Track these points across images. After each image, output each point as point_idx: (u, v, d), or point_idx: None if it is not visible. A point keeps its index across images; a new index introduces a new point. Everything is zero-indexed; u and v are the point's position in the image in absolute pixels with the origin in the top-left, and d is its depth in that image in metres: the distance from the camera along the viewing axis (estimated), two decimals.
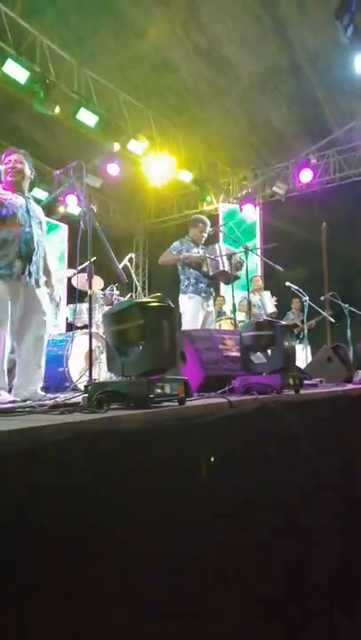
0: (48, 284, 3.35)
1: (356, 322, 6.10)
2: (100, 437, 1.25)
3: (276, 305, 6.58)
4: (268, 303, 6.52)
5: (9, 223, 3.02)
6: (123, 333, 1.79)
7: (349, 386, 3.29)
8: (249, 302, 4.96)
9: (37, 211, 3.25)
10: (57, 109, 6.49)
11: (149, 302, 1.77)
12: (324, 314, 6.24)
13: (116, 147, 7.50)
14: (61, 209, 8.71)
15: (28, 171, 3.25)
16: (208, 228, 4.78)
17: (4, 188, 3.16)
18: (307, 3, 5.99)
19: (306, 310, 6.38)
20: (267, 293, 6.62)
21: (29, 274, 3.06)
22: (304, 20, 6.23)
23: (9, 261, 2.99)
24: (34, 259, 3.09)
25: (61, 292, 4.73)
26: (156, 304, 1.77)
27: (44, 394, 2.98)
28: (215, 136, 8.82)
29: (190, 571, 1.33)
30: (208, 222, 4.84)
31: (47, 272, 3.33)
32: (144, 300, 1.82)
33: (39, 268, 3.17)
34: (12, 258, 3.00)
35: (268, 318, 3.34)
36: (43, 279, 3.24)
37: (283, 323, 2.67)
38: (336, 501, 2.16)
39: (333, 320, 6.36)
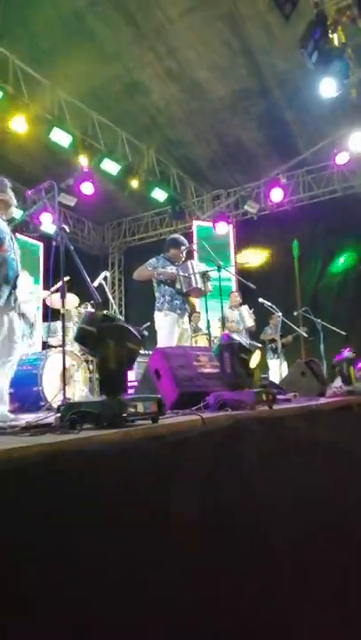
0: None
1: (330, 337, 6.22)
2: (71, 458, 1.25)
3: (254, 319, 6.71)
4: (247, 317, 6.65)
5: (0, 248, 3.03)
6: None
7: (322, 400, 3.34)
8: (223, 318, 5.02)
9: (14, 239, 3.26)
10: (28, 129, 6.52)
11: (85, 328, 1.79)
12: (299, 331, 6.35)
13: (90, 166, 7.55)
14: (37, 227, 8.67)
15: (13, 199, 3.25)
16: (185, 248, 4.87)
17: None
18: (274, 28, 6.19)
19: (279, 325, 6.50)
20: (245, 308, 6.75)
21: (15, 299, 3.06)
22: (272, 45, 6.44)
23: None
24: (17, 284, 3.10)
25: (36, 310, 4.69)
26: (88, 329, 1.78)
27: (13, 416, 2.94)
28: (188, 157, 8.98)
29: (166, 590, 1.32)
30: (186, 243, 4.95)
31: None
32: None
33: (18, 293, 3.17)
34: None
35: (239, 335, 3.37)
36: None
37: (250, 341, 2.71)
38: (311, 517, 2.18)
39: (307, 335, 6.47)
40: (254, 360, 2.56)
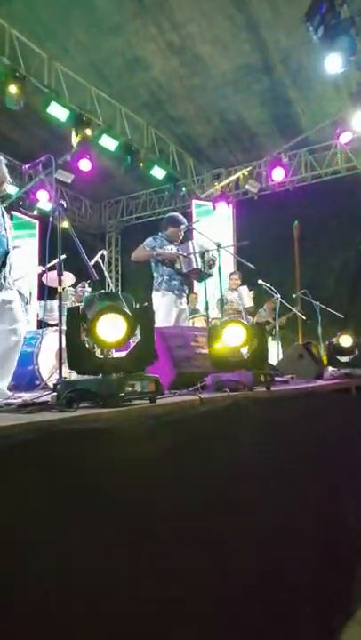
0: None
1: (327, 319, 6.21)
2: (68, 436, 1.23)
3: (253, 298, 6.70)
4: (246, 298, 6.64)
5: None
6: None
7: (320, 382, 3.34)
8: (221, 300, 4.98)
9: (6, 215, 3.19)
10: (26, 102, 6.38)
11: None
12: (295, 310, 6.34)
13: (88, 142, 7.42)
14: (33, 205, 8.56)
15: (6, 175, 3.18)
16: (184, 227, 4.79)
17: None
18: (279, 2, 6.04)
19: (277, 308, 6.48)
20: (244, 288, 6.73)
21: (4, 277, 3.01)
22: (277, 20, 6.28)
23: None
24: (7, 261, 3.04)
25: (32, 288, 4.63)
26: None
27: (11, 393, 2.93)
28: (188, 134, 8.83)
29: (165, 576, 1.32)
30: (185, 222, 4.86)
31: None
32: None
33: (9, 271, 3.11)
34: None
35: (240, 315, 3.35)
36: (12, 280, 3.18)
37: (252, 320, 2.68)
38: (308, 498, 2.19)
39: (305, 317, 6.46)
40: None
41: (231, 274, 7.14)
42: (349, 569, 2.33)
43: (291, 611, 1.81)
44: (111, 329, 1.66)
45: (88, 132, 7.24)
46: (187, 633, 1.36)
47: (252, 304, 6.67)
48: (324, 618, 1.89)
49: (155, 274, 4.62)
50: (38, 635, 0.98)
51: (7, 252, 3.02)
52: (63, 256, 2.84)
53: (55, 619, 1.02)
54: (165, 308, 4.49)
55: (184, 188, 9.63)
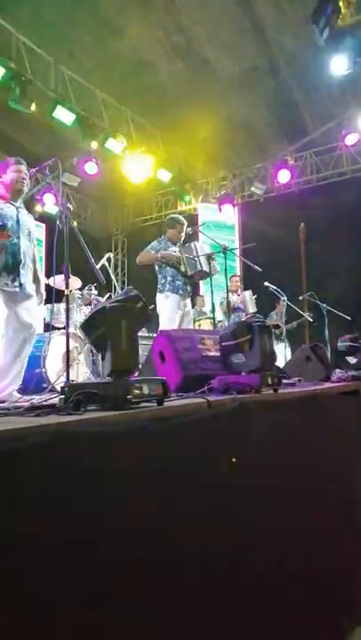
0: (37, 291, 3.32)
1: (334, 321, 6.17)
2: (76, 439, 1.23)
3: (255, 303, 6.65)
4: (250, 303, 6.59)
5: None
6: (97, 339, 1.79)
7: (327, 384, 3.32)
8: (228, 302, 4.97)
9: (28, 221, 3.23)
10: (33, 107, 6.41)
11: (107, 306, 1.78)
12: (305, 315, 6.31)
13: (94, 145, 7.44)
14: (39, 208, 8.61)
15: (22, 175, 3.23)
16: (185, 228, 4.76)
17: None
18: (284, 4, 6.03)
19: (284, 310, 6.44)
20: (248, 293, 6.68)
21: (20, 285, 3.03)
22: (282, 22, 6.28)
23: None
24: (21, 271, 3.06)
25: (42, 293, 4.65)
26: (113, 304, 1.77)
27: (19, 396, 2.94)
28: (194, 136, 8.82)
29: (171, 575, 1.32)
30: (185, 222, 4.83)
31: (37, 280, 3.31)
32: (105, 304, 1.83)
33: (28, 279, 3.14)
34: None
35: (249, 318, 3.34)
36: (33, 287, 3.21)
37: (260, 323, 2.67)
38: (316, 499, 2.18)
39: (312, 320, 6.43)
40: None
41: (232, 276, 7.09)
42: (358, 569, 2.32)
43: (300, 610, 1.80)
44: None
45: (94, 144, 7.31)
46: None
47: (255, 309, 6.61)
48: (334, 618, 1.88)
49: (159, 276, 4.62)
50: None
51: (19, 262, 3.05)
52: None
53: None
54: (169, 310, 4.48)
55: (190, 191, 9.65)
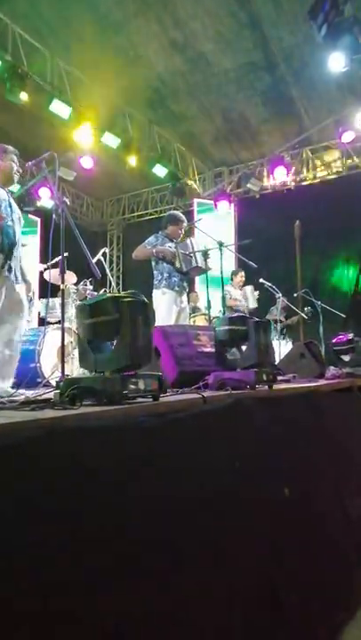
0: (24, 278, 3.29)
1: (329, 318, 6.19)
2: (72, 434, 1.23)
3: (258, 299, 6.67)
4: (251, 298, 6.61)
5: None
6: (96, 327, 1.76)
7: (322, 381, 3.33)
8: (223, 298, 4.98)
9: (15, 206, 3.20)
10: (28, 99, 6.37)
11: (124, 297, 1.75)
12: (302, 314, 6.32)
13: (90, 140, 7.41)
14: (34, 201, 8.56)
15: (13, 165, 3.22)
16: (184, 225, 4.80)
17: None
18: (282, 0, 6.01)
19: (279, 307, 6.46)
20: (250, 288, 6.69)
21: (9, 268, 3.00)
22: (280, 18, 6.25)
23: None
24: (15, 253, 3.03)
25: (34, 286, 4.64)
26: (131, 299, 1.75)
27: (14, 390, 2.93)
28: (191, 132, 8.80)
29: (168, 569, 1.32)
30: (185, 220, 4.87)
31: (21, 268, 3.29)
32: (119, 294, 1.80)
33: (18, 263, 3.11)
34: None
35: (243, 313, 3.35)
36: (20, 273, 3.18)
37: (256, 318, 2.67)
38: (311, 496, 2.19)
39: (307, 317, 6.45)
40: None
41: (238, 271, 7.07)
42: (355, 565, 2.33)
43: (294, 607, 1.80)
44: None
45: (89, 135, 7.26)
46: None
47: (256, 305, 6.63)
48: (327, 615, 1.90)
49: (155, 272, 4.62)
50: None
51: (13, 244, 3.02)
52: (65, 254, 2.84)
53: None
54: (166, 307, 4.49)
55: (186, 187, 9.62)
